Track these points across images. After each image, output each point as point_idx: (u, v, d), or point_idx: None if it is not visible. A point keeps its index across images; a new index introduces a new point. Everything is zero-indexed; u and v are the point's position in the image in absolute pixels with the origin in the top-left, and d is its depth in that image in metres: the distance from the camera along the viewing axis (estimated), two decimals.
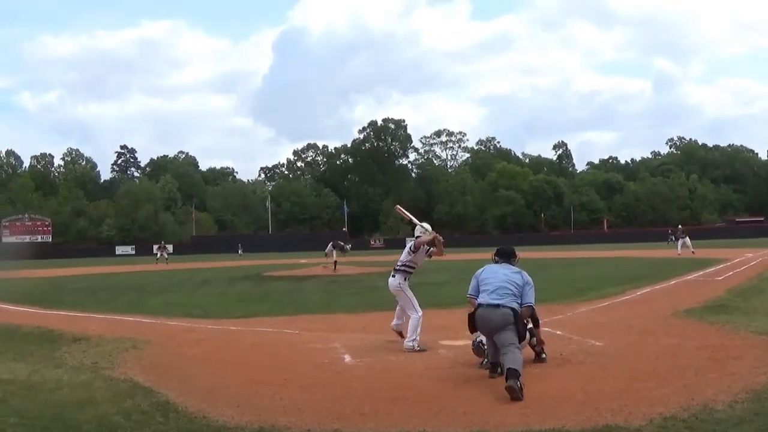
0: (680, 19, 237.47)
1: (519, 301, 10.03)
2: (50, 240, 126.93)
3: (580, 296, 20.81)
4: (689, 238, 50.34)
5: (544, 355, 10.97)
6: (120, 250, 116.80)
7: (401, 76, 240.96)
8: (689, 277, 26.85)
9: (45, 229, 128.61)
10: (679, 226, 56.57)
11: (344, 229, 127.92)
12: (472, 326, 10.29)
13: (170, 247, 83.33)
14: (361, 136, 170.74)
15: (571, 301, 19.70)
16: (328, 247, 44.27)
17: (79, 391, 9.32)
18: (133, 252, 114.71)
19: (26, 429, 7.65)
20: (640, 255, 49.12)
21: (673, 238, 50.20)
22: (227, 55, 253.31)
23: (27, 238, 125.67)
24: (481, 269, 10.56)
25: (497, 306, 9.86)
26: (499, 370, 9.74)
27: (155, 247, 77.58)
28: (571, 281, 26.93)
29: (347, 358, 11.72)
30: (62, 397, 9.02)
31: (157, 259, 69.38)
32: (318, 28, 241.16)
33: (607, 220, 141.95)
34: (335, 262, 42.94)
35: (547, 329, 14.04)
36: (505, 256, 10.93)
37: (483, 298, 10.11)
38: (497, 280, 10.22)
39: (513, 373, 8.79)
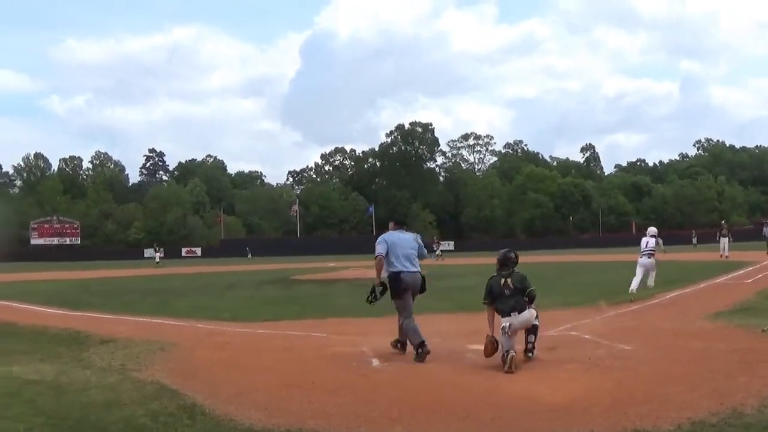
0: (705, 20, 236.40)
1: None
2: (79, 242, 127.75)
3: (609, 300, 20.62)
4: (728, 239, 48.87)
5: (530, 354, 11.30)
6: (148, 253, 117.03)
7: (428, 80, 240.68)
8: (718, 280, 26.66)
9: (73, 231, 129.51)
10: (723, 222, 55.60)
11: (372, 233, 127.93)
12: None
13: (161, 251, 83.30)
14: (389, 140, 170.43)
15: (599, 304, 19.54)
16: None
17: (107, 393, 9.33)
18: (162, 255, 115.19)
19: (53, 429, 7.67)
20: (668, 258, 48.80)
21: (721, 237, 48.56)
22: (254, 60, 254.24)
23: (55, 241, 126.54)
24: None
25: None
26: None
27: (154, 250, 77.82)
28: (600, 284, 26.73)
29: (375, 361, 11.71)
30: (89, 399, 9.03)
31: (157, 263, 69.54)
32: (345, 32, 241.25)
33: (636, 223, 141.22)
34: None
35: (575, 333, 14.03)
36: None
37: None
38: None
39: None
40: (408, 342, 12.34)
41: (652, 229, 23.89)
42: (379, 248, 12.46)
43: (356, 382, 10.14)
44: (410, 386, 9.77)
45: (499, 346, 10.89)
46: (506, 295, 11.24)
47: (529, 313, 11.28)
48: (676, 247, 58.65)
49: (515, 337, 11.09)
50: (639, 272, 22.19)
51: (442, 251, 70.29)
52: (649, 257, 22.41)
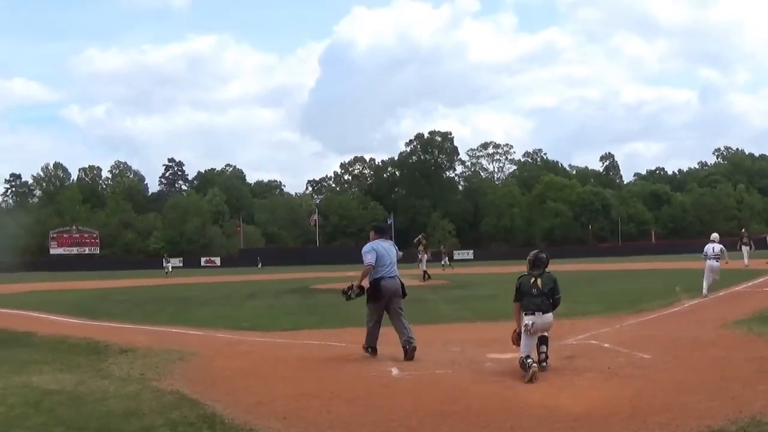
0: (724, 27, 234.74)
1: None
2: (98, 252, 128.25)
3: (629, 309, 20.58)
4: (750, 247, 47.86)
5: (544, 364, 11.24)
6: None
7: (447, 89, 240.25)
8: (737, 289, 26.51)
9: (93, 241, 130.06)
10: (743, 230, 54.76)
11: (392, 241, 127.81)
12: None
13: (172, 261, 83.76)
14: (408, 149, 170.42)
15: (619, 313, 19.49)
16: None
17: (126, 402, 9.37)
18: (181, 264, 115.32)
19: None
20: (688, 266, 48.60)
21: (742, 245, 47.62)
22: (274, 69, 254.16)
23: (74, 250, 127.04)
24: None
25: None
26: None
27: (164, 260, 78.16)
28: (619, 293, 26.66)
29: (394, 371, 11.67)
30: (108, 408, 9.06)
31: (167, 272, 69.74)
32: (364, 42, 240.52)
33: (655, 232, 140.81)
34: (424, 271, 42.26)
35: (594, 342, 14.00)
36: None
37: None
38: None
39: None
40: (367, 344, 13.44)
41: (716, 236, 25.16)
42: (369, 257, 13.36)
43: (375, 391, 10.14)
44: (429, 395, 9.74)
45: (520, 350, 10.98)
46: (534, 294, 11.32)
47: (551, 317, 11.38)
48: (691, 256, 58.46)
49: (535, 338, 11.18)
50: (708, 275, 23.60)
51: (449, 261, 69.48)
52: (716, 261, 23.80)
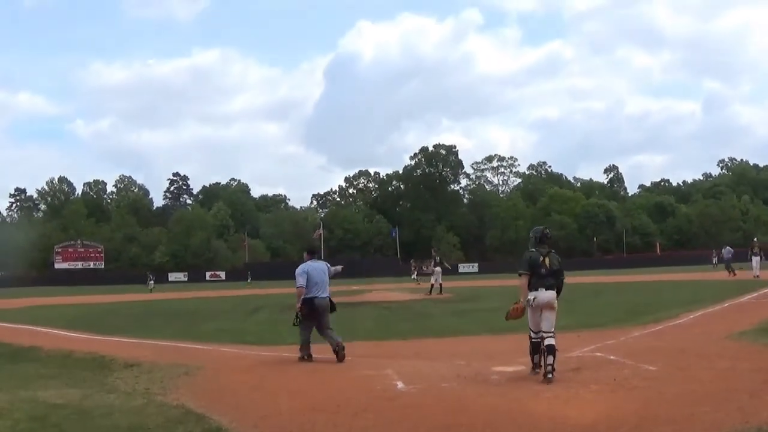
0: (727, 39, 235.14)
1: None
2: (103, 266, 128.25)
3: (634, 320, 20.56)
4: (761, 258, 46.99)
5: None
6: (173, 276, 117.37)
7: (451, 102, 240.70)
8: (743, 300, 26.49)
9: (97, 255, 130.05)
10: (754, 240, 54.05)
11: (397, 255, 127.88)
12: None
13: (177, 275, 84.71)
14: (413, 163, 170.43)
15: (624, 325, 19.47)
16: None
17: (131, 417, 9.37)
18: (186, 279, 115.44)
19: None
20: (693, 278, 48.56)
21: (753, 255, 46.96)
22: (279, 83, 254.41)
23: (79, 265, 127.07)
24: None
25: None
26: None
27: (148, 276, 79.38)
28: (625, 305, 26.60)
29: (400, 384, 11.61)
30: (114, 423, 9.07)
31: (150, 288, 70.43)
32: (368, 56, 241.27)
33: (660, 244, 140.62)
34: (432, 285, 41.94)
35: (600, 354, 13.98)
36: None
37: None
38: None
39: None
40: (301, 351, 15.02)
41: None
42: (301, 280, 15.00)
43: (381, 404, 10.11)
44: (435, 408, 9.73)
45: (529, 358, 11.36)
46: (542, 275, 11.66)
47: (554, 294, 11.74)
48: (697, 267, 58.53)
49: (539, 312, 11.66)
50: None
51: (417, 275, 68.34)
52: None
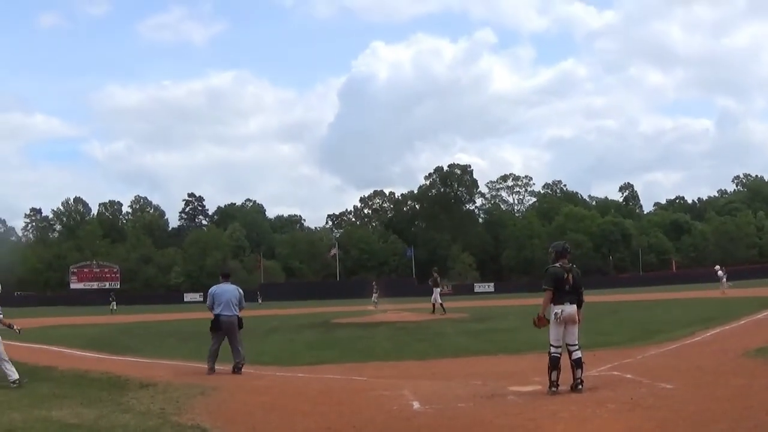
0: (739, 56, 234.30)
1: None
2: (118, 286, 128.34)
3: (650, 339, 20.53)
4: None
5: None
6: (188, 297, 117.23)
7: (466, 122, 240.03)
8: (759, 317, 26.40)
9: (113, 275, 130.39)
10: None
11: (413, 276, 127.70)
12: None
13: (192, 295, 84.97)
14: (428, 182, 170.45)
15: (641, 343, 19.44)
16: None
17: None
18: (202, 299, 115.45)
19: None
20: (709, 296, 48.43)
21: None
22: (293, 105, 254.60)
23: (95, 285, 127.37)
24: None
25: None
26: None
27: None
28: (641, 324, 26.53)
29: (416, 404, 11.58)
30: None
31: (112, 310, 70.81)
32: (382, 77, 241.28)
33: (676, 261, 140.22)
34: (434, 304, 41.79)
35: (617, 373, 13.92)
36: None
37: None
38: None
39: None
40: (209, 366, 16.64)
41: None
42: (208, 301, 17.39)
43: (396, 425, 10.10)
44: (451, 429, 9.71)
45: (547, 377, 11.55)
46: (566, 291, 12.09)
47: (576, 308, 12.11)
48: (712, 285, 58.42)
49: (563, 327, 11.91)
50: None
51: (377, 298, 66.07)
52: None
